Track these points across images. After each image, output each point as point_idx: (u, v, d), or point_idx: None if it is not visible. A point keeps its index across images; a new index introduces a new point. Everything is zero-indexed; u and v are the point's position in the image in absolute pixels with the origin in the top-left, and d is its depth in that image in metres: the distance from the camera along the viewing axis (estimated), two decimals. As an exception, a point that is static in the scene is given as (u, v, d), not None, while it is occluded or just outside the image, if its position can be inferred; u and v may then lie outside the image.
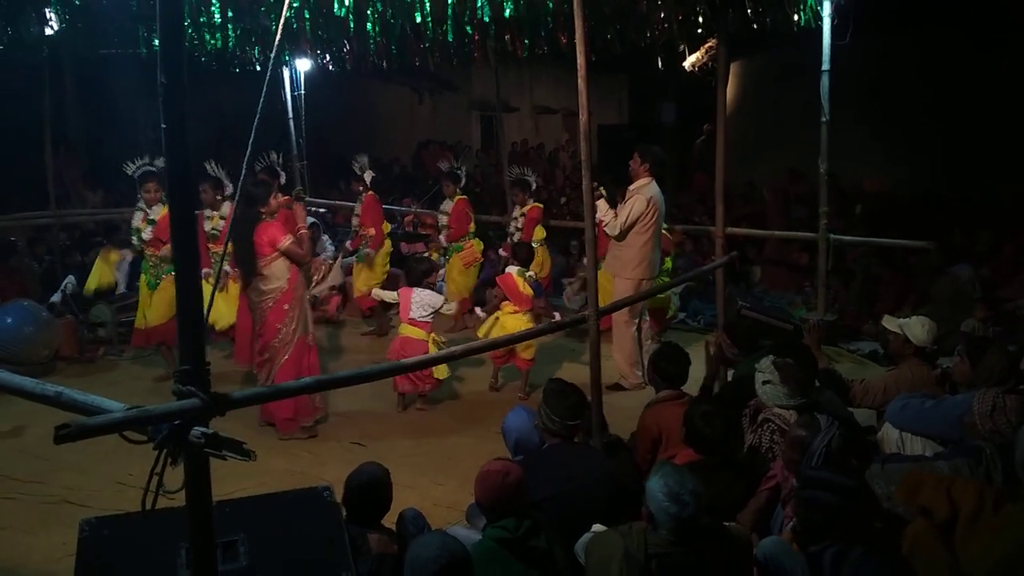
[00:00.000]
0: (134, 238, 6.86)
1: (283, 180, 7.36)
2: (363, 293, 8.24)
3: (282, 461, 5.41)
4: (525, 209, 8.46)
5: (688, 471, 3.07)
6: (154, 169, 6.68)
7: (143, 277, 6.94)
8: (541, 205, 8.71)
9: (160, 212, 6.66)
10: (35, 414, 5.30)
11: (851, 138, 10.65)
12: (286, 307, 5.83)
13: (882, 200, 11.99)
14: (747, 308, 5.62)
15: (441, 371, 6.32)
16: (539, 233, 8.44)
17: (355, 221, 8.55)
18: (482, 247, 8.87)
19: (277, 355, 5.83)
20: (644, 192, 6.57)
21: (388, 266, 8.60)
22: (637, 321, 6.87)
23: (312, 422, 5.99)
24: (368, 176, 8.34)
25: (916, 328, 4.80)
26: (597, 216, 6.47)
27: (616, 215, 6.57)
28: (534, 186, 8.66)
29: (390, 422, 6.23)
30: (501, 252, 8.86)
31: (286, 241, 5.75)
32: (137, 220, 6.81)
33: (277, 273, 5.78)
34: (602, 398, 4.37)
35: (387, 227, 8.68)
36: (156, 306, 6.81)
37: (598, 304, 4.36)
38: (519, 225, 8.45)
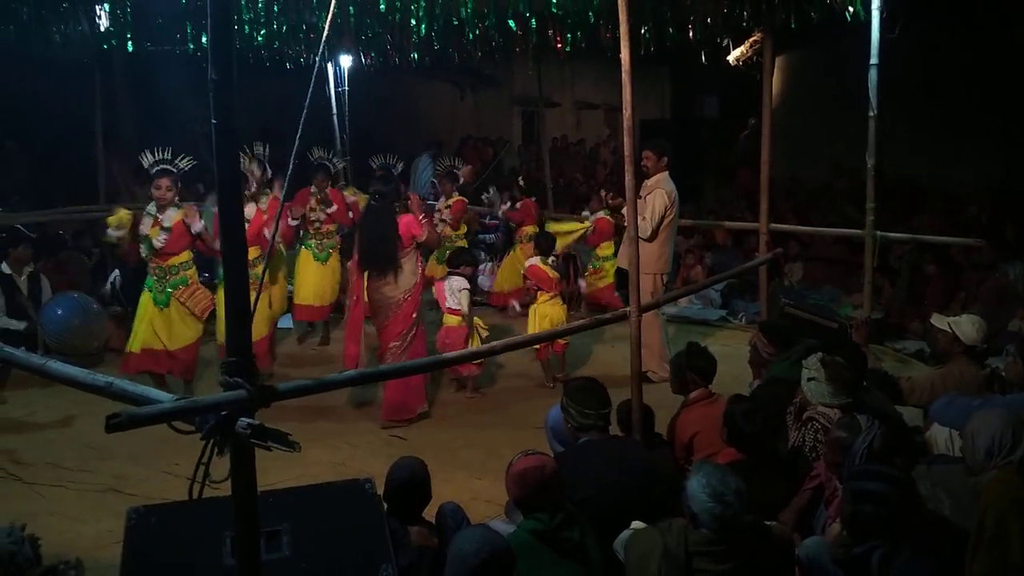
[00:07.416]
0: (143, 247, 6.13)
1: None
2: None
3: (323, 453, 5.46)
4: (450, 201, 8.56)
5: (729, 470, 3.03)
6: (171, 169, 6.02)
7: (147, 293, 6.19)
8: (466, 200, 8.79)
9: (173, 218, 6.01)
10: (83, 404, 5.42)
11: (903, 133, 10.47)
12: (419, 297, 6.12)
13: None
14: (791, 306, 5.56)
15: (474, 340, 6.42)
16: (459, 229, 8.60)
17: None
18: None
19: (408, 342, 6.02)
20: (663, 186, 6.58)
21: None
22: (663, 316, 6.93)
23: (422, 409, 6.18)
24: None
25: (966, 326, 4.70)
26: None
27: (644, 218, 6.43)
28: (461, 180, 8.83)
29: (429, 416, 6.25)
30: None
31: (424, 232, 6.00)
32: (147, 227, 6.03)
33: (412, 267, 6.01)
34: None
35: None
36: (175, 327, 6.18)
37: (640, 302, 4.34)
38: (444, 216, 8.51)
